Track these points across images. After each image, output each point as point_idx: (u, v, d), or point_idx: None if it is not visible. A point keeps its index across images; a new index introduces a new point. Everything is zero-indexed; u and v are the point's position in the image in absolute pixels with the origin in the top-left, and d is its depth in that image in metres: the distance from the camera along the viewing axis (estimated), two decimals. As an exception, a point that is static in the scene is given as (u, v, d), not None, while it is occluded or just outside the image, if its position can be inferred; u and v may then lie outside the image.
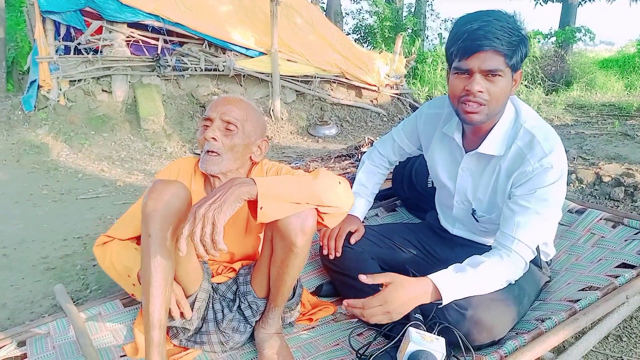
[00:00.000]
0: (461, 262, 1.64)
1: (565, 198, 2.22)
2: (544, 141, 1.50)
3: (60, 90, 5.91)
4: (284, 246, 1.38)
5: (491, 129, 1.57)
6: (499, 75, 1.42)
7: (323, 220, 1.39)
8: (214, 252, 1.17)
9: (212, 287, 1.65)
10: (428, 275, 1.44)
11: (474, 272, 1.46)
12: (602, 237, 1.97)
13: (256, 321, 1.63)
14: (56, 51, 5.92)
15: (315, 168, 3.78)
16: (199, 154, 1.67)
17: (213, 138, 1.55)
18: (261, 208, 1.22)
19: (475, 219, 1.73)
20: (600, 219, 2.04)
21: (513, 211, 1.52)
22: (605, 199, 2.93)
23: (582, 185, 3.07)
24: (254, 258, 1.72)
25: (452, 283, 1.43)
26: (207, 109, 1.62)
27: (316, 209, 1.35)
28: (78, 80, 5.98)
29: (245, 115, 1.60)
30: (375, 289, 1.72)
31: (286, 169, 1.66)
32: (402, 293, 1.39)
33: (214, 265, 1.71)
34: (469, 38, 1.40)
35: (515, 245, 1.49)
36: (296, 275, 1.49)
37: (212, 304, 1.62)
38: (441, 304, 1.43)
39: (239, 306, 1.62)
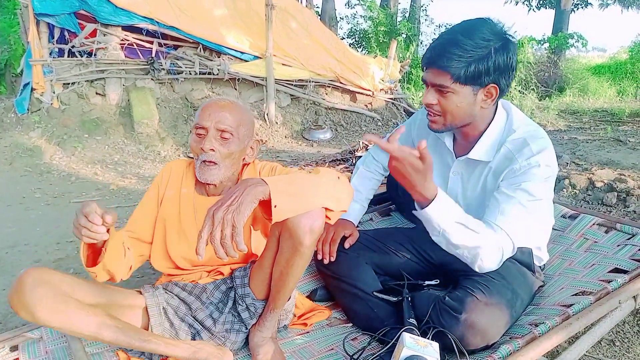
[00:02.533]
0: (455, 266, 1.64)
1: (559, 203, 2.24)
2: (533, 143, 1.52)
3: (54, 93, 5.89)
4: (291, 245, 1.38)
5: (481, 134, 1.59)
6: (449, 92, 1.47)
7: (329, 219, 1.39)
8: (234, 254, 1.16)
9: (198, 288, 1.63)
10: (439, 190, 1.40)
11: (471, 225, 1.43)
12: (595, 242, 1.99)
13: (252, 324, 1.62)
14: (50, 54, 5.90)
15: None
16: (192, 157, 1.66)
17: (211, 149, 1.54)
18: (275, 206, 1.21)
19: None
20: (593, 224, 2.06)
21: (497, 200, 1.51)
22: (598, 204, 2.95)
23: (575, 190, 3.09)
24: (242, 262, 1.70)
25: (448, 208, 1.40)
26: (198, 115, 1.58)
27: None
28: (72, 83, 5.97)
29: (239, 121, 1.59)
30: (375, 299, 1.74)
31: (280, 168, 1.66)
32: (417, 172, 1.33)
33: (197, 272, 1.68)
34: (426, 53, 1.50)
35: (498, 234, 1.46)
36: (298, 276, 1.49)
37: (195, 316, 1.59)
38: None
39: (234, 308, 1.60)
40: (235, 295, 1.61)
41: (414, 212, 1.44)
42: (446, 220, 1.40)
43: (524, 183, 1.48)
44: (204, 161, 1.55)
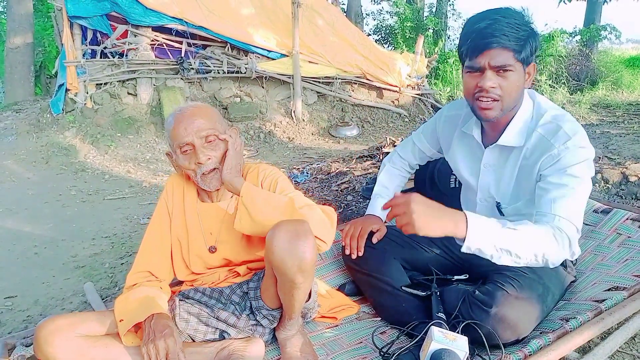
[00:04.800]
0: (484, 261, 1.63)
1: (591, 198, 2.19)
2: (565, 126, 1.50)
3: (87, 93, 6.06)
4: (285, 281, 1.40)
5: (509, 122, 1.58)
6: (510, 70, 1.44)
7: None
8: None
9: (216, 292, 1.65)
10: (465, 210, 1.36)
11: (514, 228, 1.36)
12: (629, 237, 1.94)
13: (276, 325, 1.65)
14: (83, 55, 6.07)
15: (336, 169, 3.80)
16: None
17: (209, 158, 1.53)
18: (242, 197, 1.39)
19: (501, 212, 1.72)
20: (627, 219, 2.01)
21: (547, 190, 1.47)
22: (632, 199, 2.88)
23: (608, 185, 3.02)
24: (257, 260, 1.70)
25: (484, 227, 1.33)
26: (174, 136, 1.53)
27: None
28: (104, 84, 6.13)
29: (212, 119, 1.56)
30: (404, 293, 1.74)
31: (282, 180, 1.63)
32: (430, 206, 1.31)
33: (215, 273, 1.70)
34: (478, 37, 1.44)
35: (557, 222, 1.42)
36: (304, 297, 1.50)
37: (218, 316, 1.60)
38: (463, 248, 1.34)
39: (253, 316, 1.61)
40: (251, 306, 1.61)
41: (463, 250, 1.34)
42: (495, 234, 1.33)
43: (568, 168, 1.46)
44: (204, 173, 1.54)
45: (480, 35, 1.43)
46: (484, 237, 1.32)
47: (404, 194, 1.35)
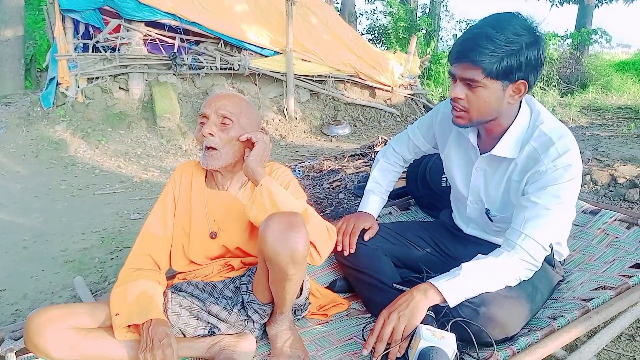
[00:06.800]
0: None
1: (580, 199, 2.22)
2: (558, 142, 1.51)
3: (78, 87, 6.01)
4: (277, 272, 1.40)
5: (505, 131, 1.59)
6: (479, 86, 1.45)
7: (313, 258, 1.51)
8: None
9: (209, 286, 1.65)
10: (429, 280, 1.48)
11: (478, 270, 1.48)
12: (616, 237, 1.97)
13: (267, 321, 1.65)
14: (75, 49, 6.02)
15: (329, 167, 3.81)
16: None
17: (210, 134, 1.56)
18: (261, 185, 1.43)
19: (490, 218, 1.75)
20: (615, 219, 2.04)
21: (524, 207, 1.52)
22: (620, 200, 2.92)
23: (596, 186, 3.06)
24: (253, 255, 1.70)
25: (452, 286, 1.45)
26: (202, 107, 1.63)
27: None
28: (96, 78, 6.08)
29: (239, 109, 1.61)
30: (395, 290, 1.76)
31: (293, 183, 1.65)
32: (398, 302, 1.46)
33: (209, 266, 1.70)
34: (456, 46, 1.47)
35: (521, 240, 1.49)
36: (296, 290, 1.51)
37: (210, 310, 1.60)
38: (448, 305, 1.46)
39: (244, 311, 1.61)
40: (242, 300, 1.62)
41: (451, 307, 1.47)
42: (465, 287, 1.46)
43: (550, 187, 1.49)
44: (206, 148, 1.58)
45: (458, 46, 1.46)
46: (457, 294, 1.45)
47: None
